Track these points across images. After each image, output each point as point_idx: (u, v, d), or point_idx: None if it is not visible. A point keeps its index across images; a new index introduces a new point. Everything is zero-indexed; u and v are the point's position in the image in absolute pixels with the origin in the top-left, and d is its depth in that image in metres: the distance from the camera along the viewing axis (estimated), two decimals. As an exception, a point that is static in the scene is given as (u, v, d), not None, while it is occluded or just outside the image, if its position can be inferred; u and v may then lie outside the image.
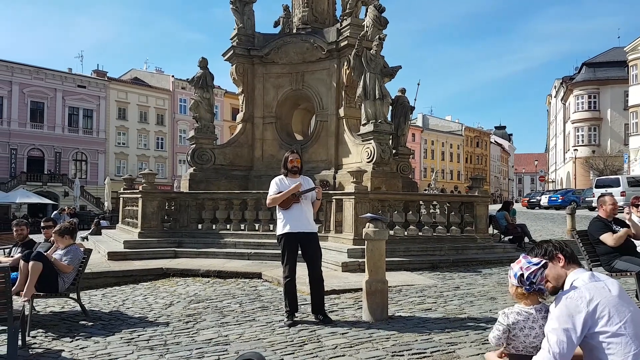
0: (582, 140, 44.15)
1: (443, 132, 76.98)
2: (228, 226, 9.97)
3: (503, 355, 2.39)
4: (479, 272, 7.74)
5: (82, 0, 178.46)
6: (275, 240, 5.33)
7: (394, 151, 11.59)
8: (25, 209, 36.99)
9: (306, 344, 4.14)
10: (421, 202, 9.89)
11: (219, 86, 47.40)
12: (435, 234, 9.15)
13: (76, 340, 4.53)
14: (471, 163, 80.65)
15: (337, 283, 6.59)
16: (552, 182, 57.30)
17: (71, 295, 5.43)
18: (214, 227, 10.11)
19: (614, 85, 42.47)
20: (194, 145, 12.55)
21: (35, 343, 4.47)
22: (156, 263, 8.56)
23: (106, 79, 46.85)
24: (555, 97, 57.48)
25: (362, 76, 10.52)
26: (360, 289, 5.28)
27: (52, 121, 42.73)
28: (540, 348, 2.15)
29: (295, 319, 4.86)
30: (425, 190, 41.12)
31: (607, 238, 5.28)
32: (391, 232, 8.33)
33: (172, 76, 51.15)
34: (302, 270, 5.07)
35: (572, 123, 45.33)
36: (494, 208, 14.39)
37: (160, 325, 4.96)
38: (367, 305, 4.87)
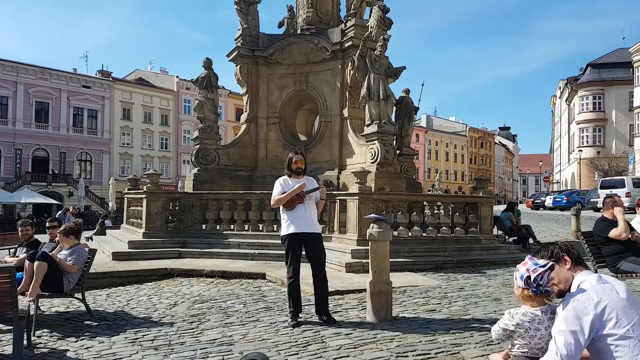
0: (587, 141, 43.96)
1: (447, 133, 76.81)
2: (232, 226, 9.98)
3: (507, 357, 2.38)
4: (484, 273, 7.71)
5: (87, 1, 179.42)
6: (279, 241, 5.33)
7: (398, 152, 11.57)
8: (30, 209, 37.19)
9: (310, 345, 4.14)
10: (425, 203, 9.87)
11: (223, 87, 47.49)
12: (439, 235, 9.13)
13: (81, 340, 4.55)
14: (475, 164, 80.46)
15: (341, 284, 6.58)
16: (557, 183, 57.11)
17: (76, 295, 5.45)
18: (217, 227, 10.12)
19: (619, 86, 42.27)
20: (198, 146, 12.57)
21: (40, 343, 4.49)
22: (160, 263, 8.58)
23: (111, 79, 47.05)
24: (559, 97, 57.28)
25: (366, 77, 10.51)
26: (364, 290, 5.27)
27: (56, 121, 42.94)
28: (545, 350, 2.14)
29: (299, 319, 4.85)
30: (429, 191, 41.07)
31: (614, 232, 5.30)
32: (395, 233, 8.31)
33: (177, 76, 51.31)
34: (305, 271, 5.06)
35: (577, 124, 45.15)
36: (499, 209, 14.34)
37: (165, 326, 4.97)
38: (371, 306, 4.86)
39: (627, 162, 36.79)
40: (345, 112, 12.02)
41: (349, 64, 11.71)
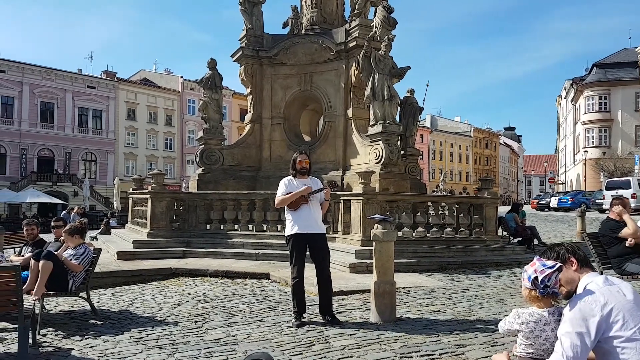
0: (593, 142, 43.69)
1: (452, 133, 76.63)
2: (236, 226, 9.99)
3: (509, 357, 2.37)
4: (488, 274, 7.68)
5: (91, 1, 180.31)
6: (283, 241, 5.33)
7: (402, 152, 11.55)
8: (35, 209, 37.39)
9: (314, 345, 4.14)
10: (429, 204, 9.85)
11: (227, 87, 47.63)
12: (443, 236, 9.10)
13: (86, 339, 4.57)
14: (480, 164, 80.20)
15: (345, 284, 6.58)
16: (562, 183, 56.79)
17: (81, 294, 5.47)
18: (222, 227, 10.14)
19: (625, 86, 42.01)
20: (203, 146, 12.60)
21: (45, 341, 4.51)
22: (165, 263, 8.60)
23: (115, 79, 47.26)
24: (565, 98, 56.99)
25: (371, 77, 10.50)
26: (368, 290, 5.26)
27: (62, 121, 43.17)
28: (551, 351, 2.12)
29: (303, 319, 4.85)
30: (434, 191, 40.99)
31: (626, 231, 5.28)
32: (399, 234, 8.30)
33: (181, 77, 51.48)
34: (310, 271, 5.06)
35: (583, 124, 44.90)
36: (503, 210, 14.29)
37: (169, 325, 4.98)
38: (375, 306, 4.85)
39: (633, 163, 36.51)
40: (350, 113, 12.02)
41: (354, 64, 11.71)
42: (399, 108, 11.32)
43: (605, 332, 2.01)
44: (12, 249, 9.87)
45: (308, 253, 5.00)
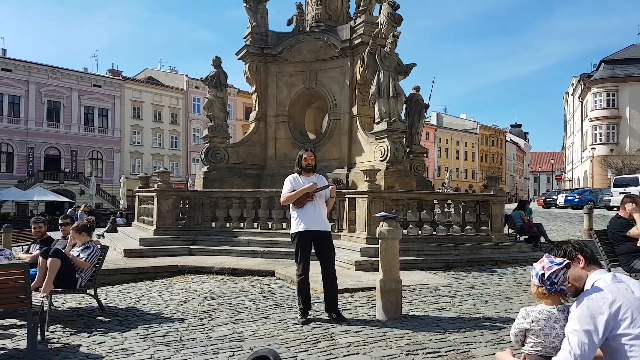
0: (600, 139, 43.32)
1: (458, 131, 76.28)
2: (241, 224, 10.02)
3: (514, 355, 2.36)
4: (494, 271, 7.66)
5: (96, 1, 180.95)
6: (289, 239, 5.34)
7: (407, 150, 11.51)
8: (42, 207, 37.68)
9: (320, 342, 4.15)
10: (435, 201, 9.82)
11: (232, 85, 47.63)
12: (449, 233, 9.08)
13: (94, 335, 4.60)
14: (486, 162, 79.84)
15: (350, 282, 6.58)
16: (569, 181, 56.42)
17: (88, 291, 5.52)
18: (227, 225, 10.17)
19: (633, 82, 41.60)
20: (208, 144, 12.62)
21: (53, 338, 4.55)
22: (171, 260, 8.65)
23: (121, 78, 47.42)
24: (572, 95, 56.55)
25: (376, 74, 10.45)
26: (373, 288, 5.26)
27: (68, 120, 43.40)
28: (560, 349, 2.11)
29: (308, 316, 4.86)
30: (439, 189, 40.82)
31: (635, 230, 5.23)
32: (405, 231, 8.28)
33: (186, 75, 51.56)
34: (315, 269, 5.07)
35: (590, 121, 44.53)
36: (510, 207, 14.22)
37: (176, 322, 5.01)
38: (381, 303, 4.85)
39: (641, 160, 36.27)
40: (355, 110, 11.99)
41: (359, 61, 11.66)
42: (404, 105, 11.26)
43: (613, 330, 1.99)
44: (20, 247, 9.95)
45: (313, 251, 5.01)
